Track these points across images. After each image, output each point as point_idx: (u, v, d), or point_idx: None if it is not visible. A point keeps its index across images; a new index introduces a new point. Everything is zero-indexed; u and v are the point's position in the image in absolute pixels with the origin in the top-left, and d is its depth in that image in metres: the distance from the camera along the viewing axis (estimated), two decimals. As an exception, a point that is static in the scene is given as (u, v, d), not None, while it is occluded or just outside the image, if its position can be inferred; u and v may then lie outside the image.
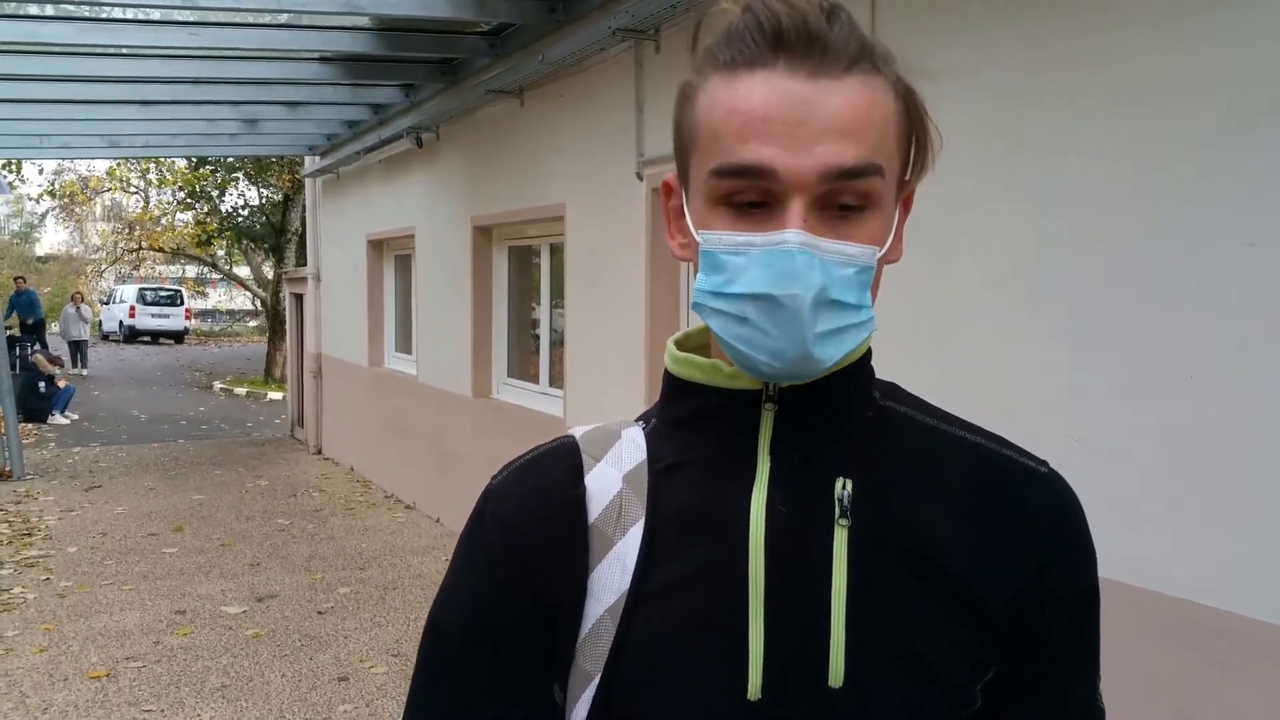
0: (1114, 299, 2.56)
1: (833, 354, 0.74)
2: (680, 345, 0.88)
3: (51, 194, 22.32)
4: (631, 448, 0.85)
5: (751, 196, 0.73)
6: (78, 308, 19.86)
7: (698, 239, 0.77)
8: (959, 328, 3.01)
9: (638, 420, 0.89)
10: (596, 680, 0.79)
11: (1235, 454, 2.30)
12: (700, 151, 0.76)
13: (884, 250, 0.76)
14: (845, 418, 0.82)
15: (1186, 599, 2.38)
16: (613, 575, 0.80)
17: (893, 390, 0.87)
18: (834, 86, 0.72)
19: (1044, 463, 0.85)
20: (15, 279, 19.40)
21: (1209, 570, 2.34)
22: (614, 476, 0.83)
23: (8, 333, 11.64)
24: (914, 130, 0.78)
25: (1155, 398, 2.47)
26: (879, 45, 0.77)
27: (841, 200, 0.73)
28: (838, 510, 0.78)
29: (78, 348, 19.94)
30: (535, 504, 0.84)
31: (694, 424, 0.84)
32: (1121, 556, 2.44)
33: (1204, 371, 2.37)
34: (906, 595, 0.78)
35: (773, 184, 0.72)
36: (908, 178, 0.80)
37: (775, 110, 0.72)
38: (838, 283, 0.73)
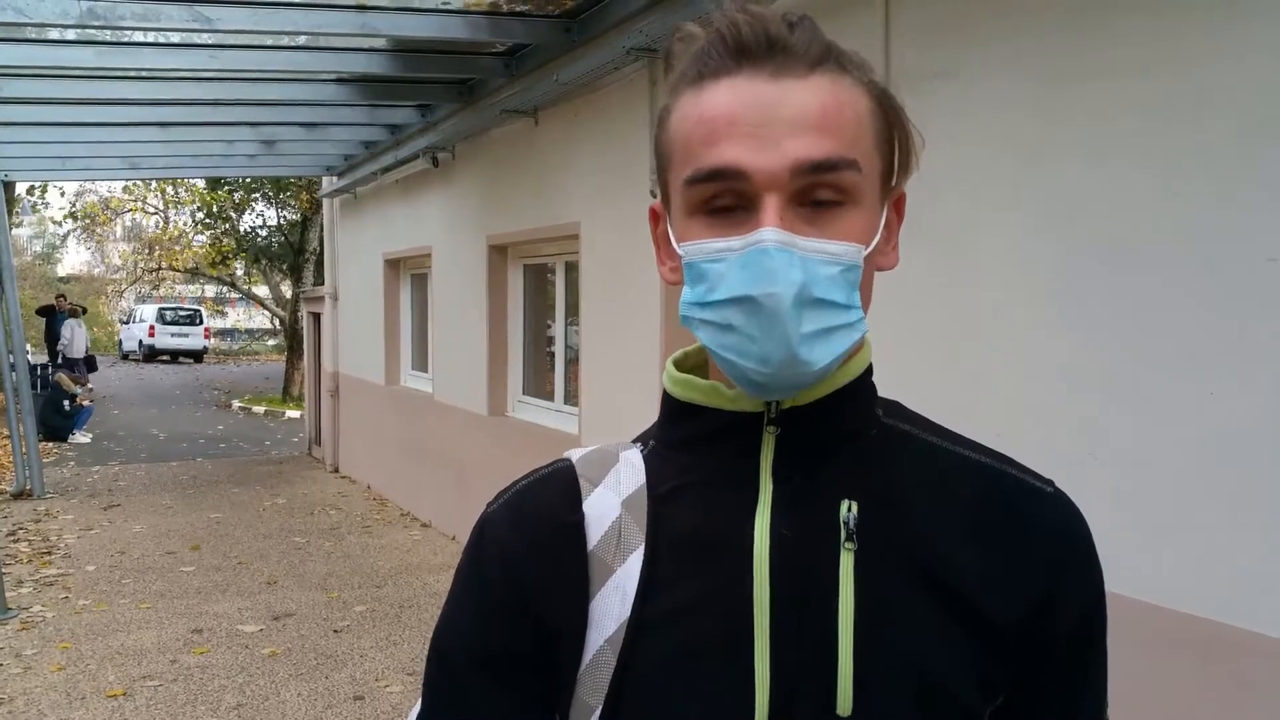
0: (1133, 314, 2.54)
1: (821, 356, 0.72)
2: (679, 365, 0.86)
3: (74, 217, 22.42)
4: (630, 471, 0.83)
5: (726, 200, 0.73)
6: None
7: (679, 251, 0.76)
8: (975, 342, 2.99)
9: (635, 441, 0.88)
10: (597, 714, 0.77)
11: (1264, 470, 2.27)
12: (675, 166, 0.77)
13: (870, 249, 0.75)
14: (848, 437, 0.81)
15: (1218, 620, 2.33)
16: (612, 604, 0.78)
17: (895, 408, 0.85)
18: (798, 85, 0.72)
19: (1049, 481, 0.83)
20: (57, 297, 19.58)
21: (1239, 591, 2.30)
22: (613, 502, 0.81)
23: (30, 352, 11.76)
24: (893, 130, 0.78)
25: (1176, 414, 2.44)
26: (849, 51, 0.77)
27: (818, 196, 0.72)
28: (844, 533, 0.76)
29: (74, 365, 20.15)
30: (532, 531, 0.82)
31: (694, 446, 0.82)
32: (1145, 576, 2.41)
33: (1224, 387, 2.34)
34: (915, 618, 0.76)
35: (745, 185, 0.72)
36: (893, 182, 0.79)
37: (739, 112, 0.72)
38: (821, 281, 0.71)
